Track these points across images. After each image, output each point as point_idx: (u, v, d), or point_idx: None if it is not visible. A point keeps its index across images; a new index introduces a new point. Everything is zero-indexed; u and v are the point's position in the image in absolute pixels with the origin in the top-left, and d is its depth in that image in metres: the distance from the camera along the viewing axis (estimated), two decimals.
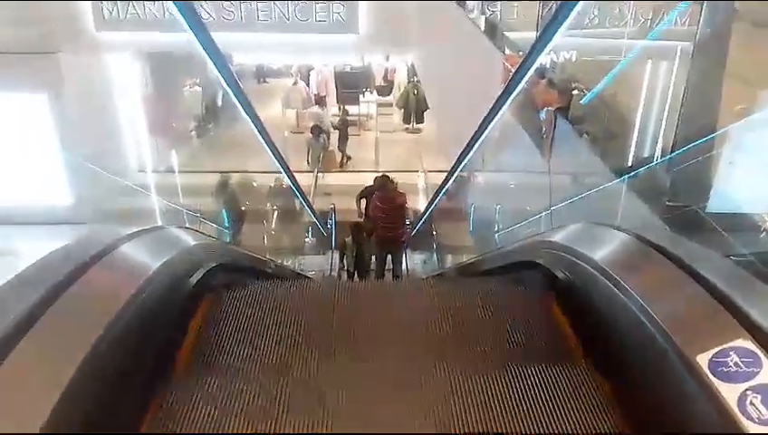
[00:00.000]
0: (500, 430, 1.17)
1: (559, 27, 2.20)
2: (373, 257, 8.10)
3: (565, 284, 1.62)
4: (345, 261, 7.98)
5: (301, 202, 7.53)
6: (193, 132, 13.55)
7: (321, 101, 14.76)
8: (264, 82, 17.74)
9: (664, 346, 1.05)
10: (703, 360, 0.96)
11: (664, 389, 1.09)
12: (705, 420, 0.95)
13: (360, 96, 15.32)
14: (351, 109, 15.26)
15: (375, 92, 15.53)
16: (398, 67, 15.56)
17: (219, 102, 14.01)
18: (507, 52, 3.77)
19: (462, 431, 1.17)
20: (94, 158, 9.49)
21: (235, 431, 1.17)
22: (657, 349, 1.07)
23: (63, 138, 9.92)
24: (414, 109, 14.50)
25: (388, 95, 15.44)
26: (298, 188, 6.15)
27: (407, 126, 15.08)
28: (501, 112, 3.11)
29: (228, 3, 9.41)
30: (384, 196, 7.41)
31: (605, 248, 1.46)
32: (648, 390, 1.16)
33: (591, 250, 1.50)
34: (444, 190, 5.90)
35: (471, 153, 4.04)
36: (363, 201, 8.44)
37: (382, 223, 7.49)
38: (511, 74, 3.59)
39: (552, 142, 2.67)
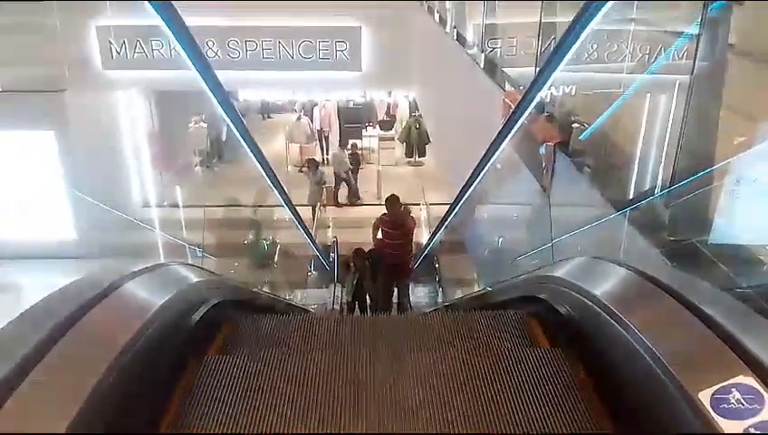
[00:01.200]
0: None
1: (558, 64, 2.25)
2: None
3: (567, 320, 1.62)
4: (344, 290, 7.62)
5: (303, 235, 7.47)
6: (198, 167, 13.67)
7: (322, 136, 14.98)
8: (269, 117, 17.99)
9: (666, 383, 1.05)
10: (705, 397, 0.96)
11: (665, 424, 1.08)
12: None
13: (363, 130, 15.50)
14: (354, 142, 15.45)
15: (377, 127, 15.71)
16: (399, 102, 15.79)
17: (224, 138, 14.21)
18: (507, 87, 3.83)
19: None
20: (99, 193, 9.56)
21: None
22: (659, 386, 1.07)
23: (69, 173, 10.04)
24: (416, 142, 14.67)
25: (391, 129, 15.63)
26: (300, 221, 6.21)
27: (409, 159, 15.23)
28: (501, 148, 3.16)
29: (234, 42, 9.59)
30: (393, 218, 7.05)
31: (606, 284, 1.47)
32: (651, 424, 1.15)
33: (594, 286, 1.50)
34: (446, 224, 5.92)
35: (472, 188, 4.09)
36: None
37: (390, 249, 7.13)
38: (510, 110, 3.66)
39: (553, 177, 2.70)
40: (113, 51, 9.57)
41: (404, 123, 15.08)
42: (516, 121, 2.90)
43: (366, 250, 7.51)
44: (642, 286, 1.33)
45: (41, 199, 10.18)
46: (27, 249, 9.82)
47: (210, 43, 9.61)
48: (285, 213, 6.43)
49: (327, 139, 15.22)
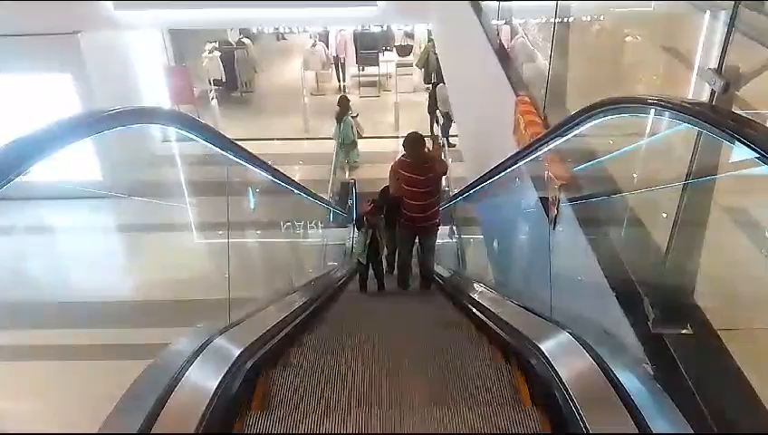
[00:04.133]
0: None
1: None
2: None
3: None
4: (357, 251, 6.14)
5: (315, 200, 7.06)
6: (214, 100, 13.65)
7: (338, 63, 14.74)
8: (283, 39, 17.61)
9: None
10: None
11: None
12: None
13: (380, 56, 15.17)
14: (370, 69, 15.17)
15: (395, 52, 15.33)
16: (417, 27, 15.28)
17: (235, 64, 14.06)
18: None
19: None
20: (119, 132, 9.71)
21: None
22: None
23: None
24: (435, 68, 14.34)
25: (408, 55, 15.24)
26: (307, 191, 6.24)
27: (427, 86, 14.95)
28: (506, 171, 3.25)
29: None
30: (415, 163, 5.43)
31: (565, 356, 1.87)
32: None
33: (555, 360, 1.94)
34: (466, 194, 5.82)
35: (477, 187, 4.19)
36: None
37: (412, 200, 5.55)
38: (521, 115, 3.69)
39: (557, 217, 2.81)
40: None
41: (422, 48, 14.68)
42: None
43: (380, 199, 6.11)
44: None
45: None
46: (54, 190, 10.14)
47: None
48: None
49: (343, 65, 14.96)
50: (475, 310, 3.73)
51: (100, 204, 10.44)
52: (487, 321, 3.27)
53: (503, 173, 3.59)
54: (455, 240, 8.49)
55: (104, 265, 8.86)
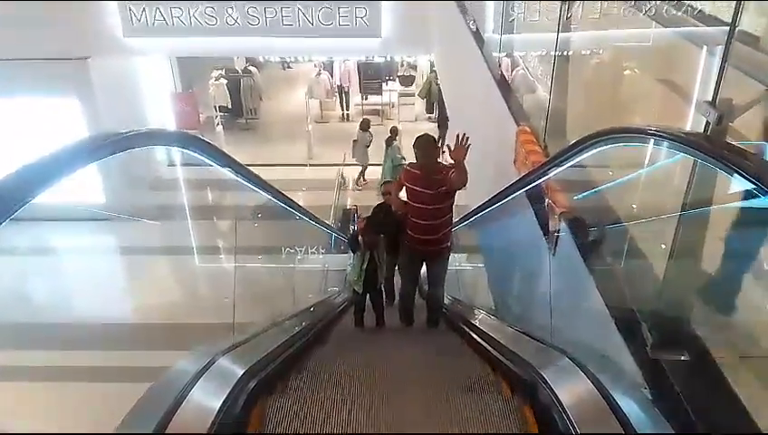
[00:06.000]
0: None
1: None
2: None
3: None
4: (351, 278, 5.42)
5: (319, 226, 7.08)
6: (219, 126, 13.82)
7: (342, 91, 14.98)
8: (288, 67, 17.87)
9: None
10: None
11: None
12: None
13: (383, 85, 15.40)
14: (373, 98, 15.41)
15: (397, 82, 15.56)
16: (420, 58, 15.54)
17: (241, 92, 14.26)
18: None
19: None
20: (124, 155, 9.81)
21: None
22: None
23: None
24: (437, 98, 14.54)
25: (411, 85, 15.46)
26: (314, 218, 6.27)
27: (429, 115, 15.16)
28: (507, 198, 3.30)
29: (253, 9, 9.51)
30: (425, 173, 4.39)
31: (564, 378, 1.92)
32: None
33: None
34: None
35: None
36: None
37: (418, 218, 4.56)
38: (521, 144, 3.76)
39: (557, 245, 2.86)
40: (133, 19, 9.57)
41: (425, 78, 14.91)
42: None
43: (379, 213, 5.54)
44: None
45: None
46: (59, 212, 10.19)
47: (230, 10, 9.55)
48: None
49: (347, 94, 15.18)
50: (501, 357, 2.87)
51: (102, 226, 10.50)
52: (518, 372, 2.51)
53: (505, 200, 3.64)
54: (456, 267, 8.50)
55: (105, 287, 8.87)
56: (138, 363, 4.65)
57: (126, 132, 1.66)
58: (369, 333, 5.44)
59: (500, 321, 3.92)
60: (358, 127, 12.49)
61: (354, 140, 12.40)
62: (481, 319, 4.17)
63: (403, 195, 4.81)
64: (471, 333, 3.86)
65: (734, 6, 1.77)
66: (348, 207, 11.56)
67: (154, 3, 9.42)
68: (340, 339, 4.83)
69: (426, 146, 4.37)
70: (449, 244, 4.87)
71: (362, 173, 12.73)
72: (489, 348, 3.17)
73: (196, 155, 2.16)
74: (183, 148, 2.09)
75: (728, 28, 1.75)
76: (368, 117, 13.43)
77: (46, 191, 1.22)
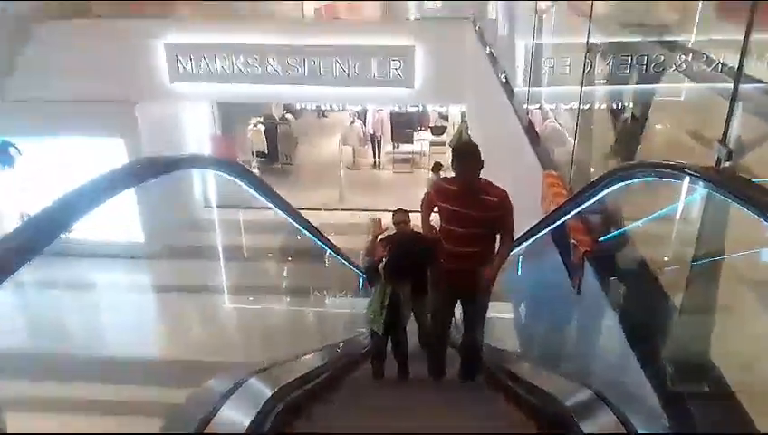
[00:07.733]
0: None
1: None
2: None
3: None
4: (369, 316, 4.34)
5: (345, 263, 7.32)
6: (256, 170, 14.23)
7: (375, 140, 15.34)
8: (324, 116, 18.43)
9: None
10: None
11: None
12: None
13: (415, 134, 15.74)
14: (405, 147, 15.74)
15: (429, 131, 15.89)
16: (451, 108, 15.89)
17: (278, 138, 14.74)
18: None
19: None
20: (164, 196, 10.19)
21: None
22: None
23: None
24: None
25: (442, 134, 15.77)
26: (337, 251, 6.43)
27: None
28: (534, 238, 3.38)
29: (293, 60, 9.98)
30: (465, 188, 3.55)
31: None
32: None
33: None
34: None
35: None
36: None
37: (454, 244, 3.69)
38: (548, 188, 3.86)
39: (581, 283, 2.92)
40: (180, 66, 10.13)
41: (456, 128, 15.20)
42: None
43: (405, 243, 4.38)
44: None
45: (111, 202, 10.90)
46: (99, 249, 10.56)
47: (271, 60, 10.04)
48: None
49: (380, 142, 15.54)
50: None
51: (139, 264, 10.86)
52: None
53: (531, 239, 3.71)
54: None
55: (136, 323, 9.11)
56: (163, 399, 4.76)
57: (197, 155, 1.83)
58: (388, 387, 4.51)
59: (557, 374, 2.92)
60: (429, 170, 12.65)
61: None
62: (529, 371, 3.29)
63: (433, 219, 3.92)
64: (521, 391, 2.95)
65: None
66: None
67: (200, 51, 9.99)
68: (349, 397, 3.67)
69: (466, 156, 3.48)
70: (492, 278, 3.67)
71: None
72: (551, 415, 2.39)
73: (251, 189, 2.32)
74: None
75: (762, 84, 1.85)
76: (438, 161, 12.74)
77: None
